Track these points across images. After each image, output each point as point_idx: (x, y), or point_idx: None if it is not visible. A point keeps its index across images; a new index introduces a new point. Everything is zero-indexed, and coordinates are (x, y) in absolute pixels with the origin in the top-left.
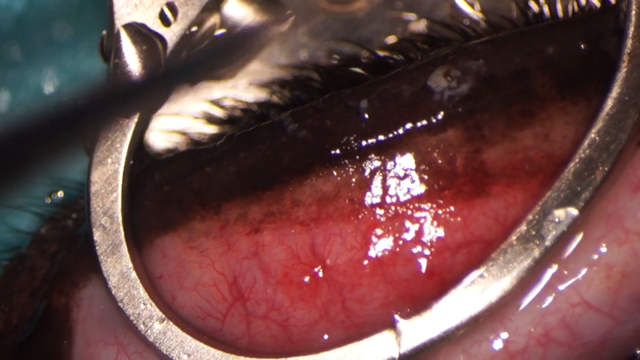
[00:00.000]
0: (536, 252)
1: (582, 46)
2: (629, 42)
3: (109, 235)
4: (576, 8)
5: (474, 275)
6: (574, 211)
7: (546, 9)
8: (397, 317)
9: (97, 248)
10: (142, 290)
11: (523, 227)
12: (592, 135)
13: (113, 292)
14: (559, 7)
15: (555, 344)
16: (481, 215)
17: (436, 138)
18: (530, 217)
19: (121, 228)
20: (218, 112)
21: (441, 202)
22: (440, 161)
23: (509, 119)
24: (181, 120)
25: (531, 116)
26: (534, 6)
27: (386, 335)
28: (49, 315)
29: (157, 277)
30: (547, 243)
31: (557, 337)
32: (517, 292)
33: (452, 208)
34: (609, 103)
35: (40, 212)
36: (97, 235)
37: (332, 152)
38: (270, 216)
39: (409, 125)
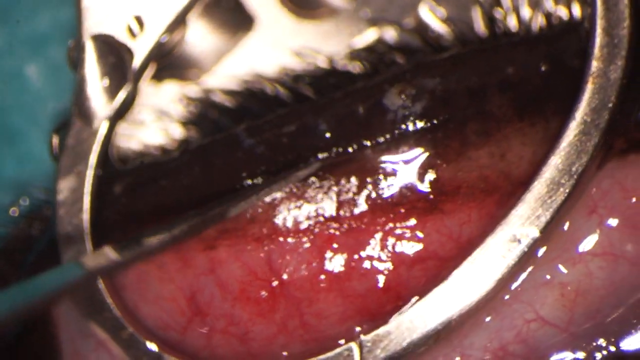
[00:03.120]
0: (496, 271)
1: (543, 67)
2: (594, 64)
3: (75, 245)
4: (543, 23)
5: (432, 292)
6: (534, 232)
7: (512, 22)
8: (356, 332)
9: (63, 256)
10: (107, 298)
11: (484, 247)
12: (554, 157)
13: (77, 299)
14: (525, 20)
15: (512, 357)
16: (435, 232)
17: (390, 155)
18: (491, 236)
19: (87, 237)
20: (179, 113)
21: (395, 218)
22: (394, 178)
23: (463, 138)
24: (143, 124)
25: (487, 136)
26: (499, 15)
27: (345, 350)
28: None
29: (120, 287)
30: (507, 262)
31: (514, 351)
32: (477, 309)
33: (406, 224)
34: (572, 124)
35: (6, 222)
36: (63, 244)
37: (288, 170)
38: (225, 233)
39: (363, 143)
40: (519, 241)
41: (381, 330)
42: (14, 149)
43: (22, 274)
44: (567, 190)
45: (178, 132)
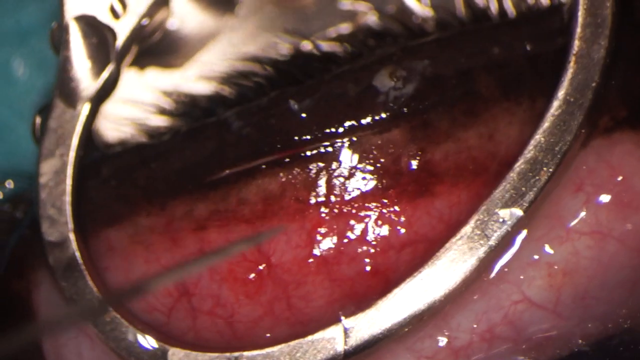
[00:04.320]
0: (480, 252)
1: (528, 47)
2: (576, 43)
3: (57, 228)
4: (523, 7)
5: (418, 273)
6: (518, 211)
7: (494, 5)
8: (342, 314)
9: (44, 240)
10: (89, 281)
11: (468, 227)
12: (538, 136)
13: (60, 282)
14: (508, 3)
15: (499, 339)
16: (425, 215)
17: (381, 138)
18: (475, 216)
19: (69, 220)
20: (166, 104)
21: (386, 201)
22: (384, 161)
23: (452, 119)
24: (130, 108)
25: (475, 117)
26: (482, 3)
27: (331, 332)
28: (9, 299)
29: (103, 268)
30: (491, 242)
31: (501, 333)
32: (461, 290)
33: (396, 207)
34: (555, 104)
35: None
36: (44, 227)
37: (277, 151)
38: (217, 214)
39: (354, 125)
40: (503, 221)
41: (365, 311)
42: (1, 143)
43: (3, 256)
44: (550, 170)
45: (161, 119)
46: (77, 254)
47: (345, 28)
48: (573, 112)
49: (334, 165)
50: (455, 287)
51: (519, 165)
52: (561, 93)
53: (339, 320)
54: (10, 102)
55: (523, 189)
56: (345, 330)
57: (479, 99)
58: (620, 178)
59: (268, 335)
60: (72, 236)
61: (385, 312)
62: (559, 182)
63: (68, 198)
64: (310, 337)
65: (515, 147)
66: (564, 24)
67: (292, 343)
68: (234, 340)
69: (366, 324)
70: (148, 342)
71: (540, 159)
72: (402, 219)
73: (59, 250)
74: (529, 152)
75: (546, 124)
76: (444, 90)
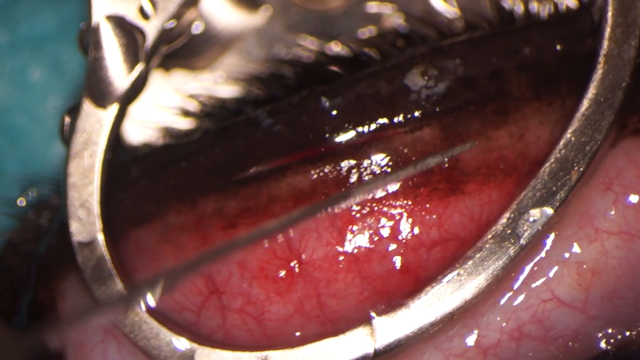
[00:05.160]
0: (511, 251)
1: (558, 47)
2: (605, 44)
3: (85, 227)
4: (552, 8)
5: (449, 272)
6: (549, 210)
7: (521, 8)
8: (372, 313)
9: (73, 240)
10: (117, 282)
11: (499, 226)
12: (568, 136)
13: (89, 283)
14: (535, 5)
15: (527, 338)
16: (456, 213)
17: (412, 136)
18: (506, 215)
19: (97, 220)
20: (193, 106)
21: (417, 199)
22: (415, 159)
23: (484, 118)
24: (157, 111)
25: (506, 116)
26: (508, 4)
27: (361, 331)
28: (36, 309)
29: (132, 269)
30: (522, 242)
31: (529, 332)
32: (491, 289)
33: (427, 205)
34: (585, 104)
35: (13, 213)
36: (73, 227)
37: (308, 148)
38: (247, 211)
39: (385, 123)
40: (534, 220)
41: (396, 310)
42: (18, 149)
43: (30, 263)
44: (581, 169)
45: (187, 122)
46: (106, 254)
47: (371, 30)
48: (603, 112)
49: (365, 162)
50: (485, 286)
51: (550, 164)
52: (591, 93)
53: (370, 319)
54: (27, 108)
55: (554, 188)
56: (375, 330)
57: (510, 98)
58: None
59: (298, 333)
60: (100, 236)
61: (416, 311)
62: (588, 182)
63: (97, 197)
64: (339, 337)
65: (546, 147)
66: (594, 24)
67: (321, 342)
68: (264, 338)
69: (397, 323)
70: (179, 342)
71: (571, 158)
72: (433, 217)
73: (88, 250)
74: (560, 151)
75: (577, 124)
76: (476, 90)
